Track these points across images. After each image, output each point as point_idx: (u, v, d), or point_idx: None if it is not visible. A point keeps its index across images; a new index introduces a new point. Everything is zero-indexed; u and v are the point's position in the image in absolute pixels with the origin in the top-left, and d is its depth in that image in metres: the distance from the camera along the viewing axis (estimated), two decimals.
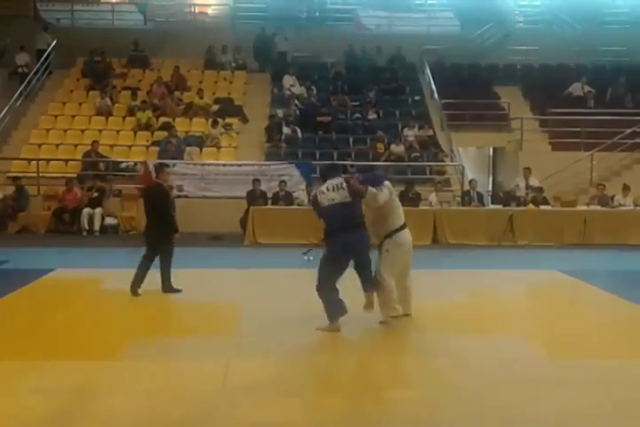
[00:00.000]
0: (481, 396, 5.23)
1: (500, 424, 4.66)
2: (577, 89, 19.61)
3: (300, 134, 17.67)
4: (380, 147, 16.96)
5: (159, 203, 8.71)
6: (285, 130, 17.59)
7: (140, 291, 8.43)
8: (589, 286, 9.54)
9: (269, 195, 14.80)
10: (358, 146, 17.60)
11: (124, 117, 18.30)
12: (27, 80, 18.74)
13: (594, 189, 15.89)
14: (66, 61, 20.27)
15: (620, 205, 14.99)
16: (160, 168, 9.48)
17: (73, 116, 18.28)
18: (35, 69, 19.02)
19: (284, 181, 14.89)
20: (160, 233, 8.62)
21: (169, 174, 9.61)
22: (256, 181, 14.67)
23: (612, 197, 15.16)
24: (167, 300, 8.45)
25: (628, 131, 17.12)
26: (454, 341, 5.87)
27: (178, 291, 8.55)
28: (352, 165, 16.57)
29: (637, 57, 20.90)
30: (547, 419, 4.71)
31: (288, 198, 14.65)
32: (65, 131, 17.74)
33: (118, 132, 17.86)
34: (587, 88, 19.56)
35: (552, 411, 4.84)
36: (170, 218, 8.77)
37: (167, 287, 8.59)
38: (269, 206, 14.43)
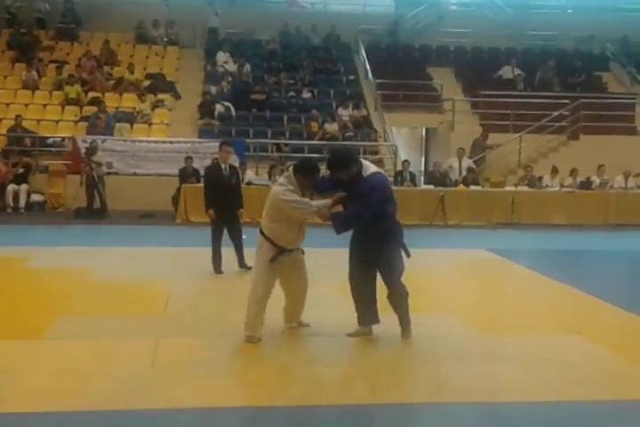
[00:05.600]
0: (412, 370, 5.33)
1: (431, 397, 4.76)
2: (507, 72, 19.96)
3: (233, 112, 17.47)
4: (314, 126, 16.94)
5: (223, 183, 8.62)
6: (219, 107, 17.36)
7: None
8: (516, 265, 9.81)
9: (202, 173, 14.59)
10: (292, 124, 17.54)
11: (51, 92, 17.75)
12: None
13: (522, 171, 16.28)
14: None
15: (548, 186, 15.40)
16: (220, 146, 9.13)
17: None
18: None
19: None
20: (228, 211, 8.66)
21: (228, 153, 8.85)
22: (188, 159, 14.45)
23: (540, 179, 15.54)
24: (95, 278, 8.29)
25: (556, 113, 17.53)
26: (386, 318, 5.93)
27: (250, 268, 8.32)
28: (286, 144, 16.57)
29: (566, 41, 21.43)
30: (472, 391, 4.83)
31: None
32: None
33: (45, 106, 17.33)
34: (516, 71, 19.93)
35: (478, 384, 4.97)
36: (231, 197, 8.72)
37: (242, 263, 8.64)
38: (201, 184, 14.22)
